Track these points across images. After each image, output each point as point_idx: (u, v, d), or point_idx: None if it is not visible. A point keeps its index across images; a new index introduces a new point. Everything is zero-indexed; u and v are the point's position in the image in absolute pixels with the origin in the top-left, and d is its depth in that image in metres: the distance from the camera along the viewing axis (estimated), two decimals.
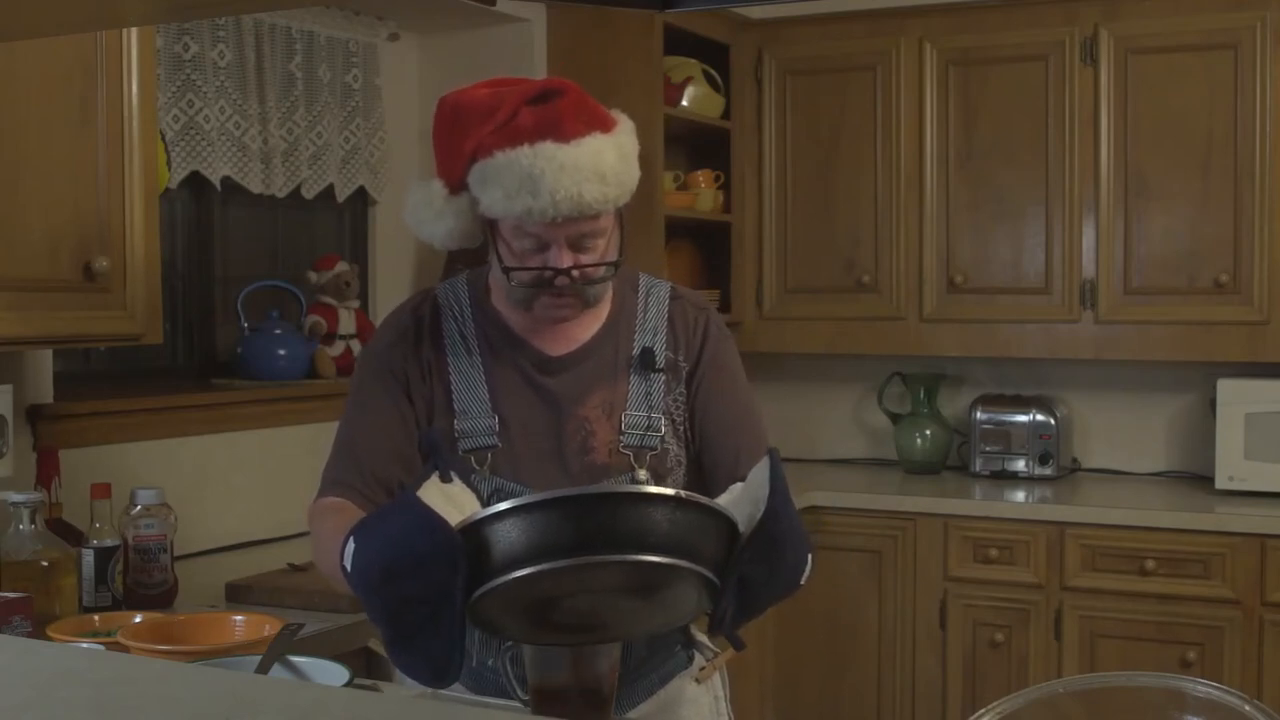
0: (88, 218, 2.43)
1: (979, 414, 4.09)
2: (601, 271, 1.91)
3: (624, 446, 1.95)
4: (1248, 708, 1.25)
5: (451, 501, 1.58)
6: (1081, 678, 1.48)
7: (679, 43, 3.97)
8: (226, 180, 3.34)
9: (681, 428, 1.99)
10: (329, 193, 3.64)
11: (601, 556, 1.46)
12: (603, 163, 1.84)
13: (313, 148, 3.58)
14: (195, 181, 3.32)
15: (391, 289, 3.99)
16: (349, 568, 1.53)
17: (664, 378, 1.99)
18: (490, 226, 1.89)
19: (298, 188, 3.55)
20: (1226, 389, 3.72)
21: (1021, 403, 4.06)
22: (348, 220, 3.90)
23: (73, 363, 3.16)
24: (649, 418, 1.96)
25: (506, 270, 1.88)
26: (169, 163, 3.02)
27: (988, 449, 4.07)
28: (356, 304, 3.67)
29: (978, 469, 4.08)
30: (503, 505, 1.49)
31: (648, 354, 1.98)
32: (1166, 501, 3.74)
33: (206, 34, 3.28)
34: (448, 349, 1.98)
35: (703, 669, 2.02)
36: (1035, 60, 3.88)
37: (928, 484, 4.05)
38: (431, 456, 1.73)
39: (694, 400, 2.00)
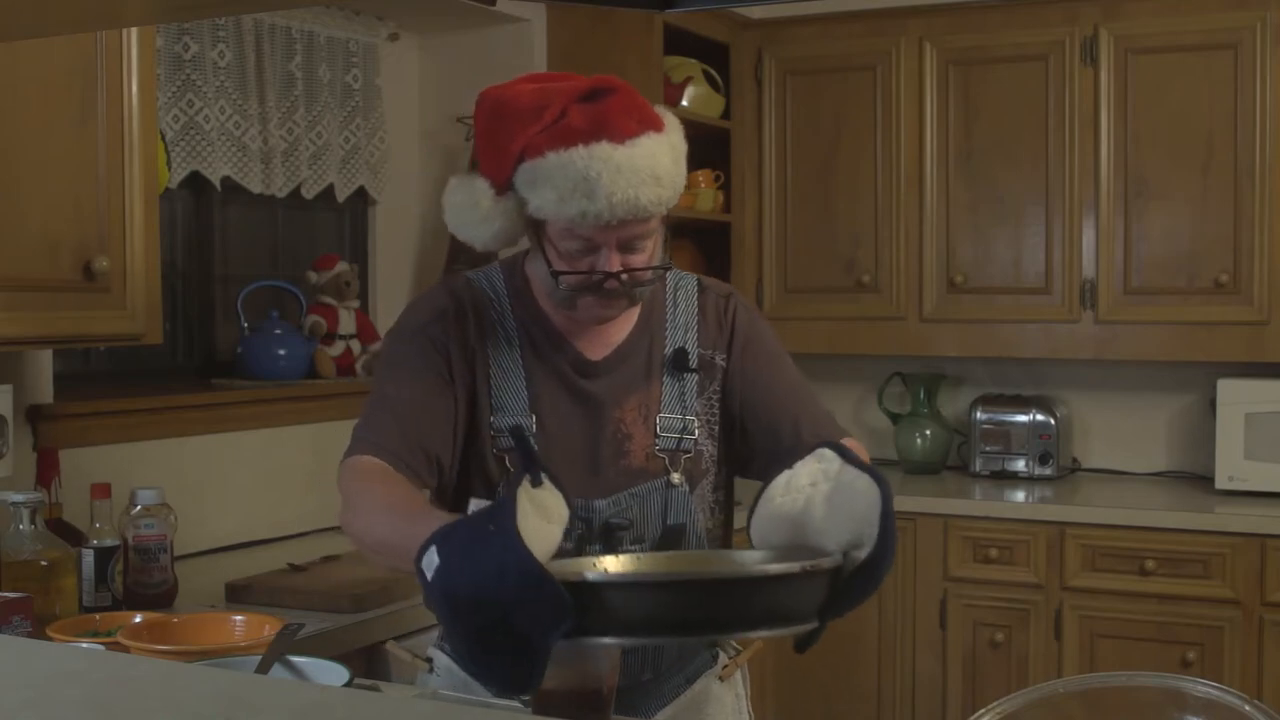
0: (88, 218, 2.44)
1: (979, 414, 4.09)
2: (650, 274, 1.88)
3: (659, 450, 1.93)
4: (1248, 708, 1.26)
5: (542, 510, 1.50)
6: (1081, 678, 1.48)
7: (679, 43, 3.97)
8: (226, 180, 3.34)
9: (715, 426, 1.97)
10: (329, 193, 3.64)
11: (716, 635, 1.44)
12: (658, 164, 1.80)
13: (313, 148, 3.58)
14: (195, 181, 3.32)
15: (391, 289, 3.99)
16: (429, 578, 1.45)
17: (697, 377, 1.96)
18: (536, 226, 1.85)
19: (298, 188, 3.55)
20: (1226, 389, 3.72)
21: (1021, 403, 4.06)
22: (348, 220, 3.90)
23: (73, 363, 3.16)
24: (683, 420, 1.94)
25: (555, 274, 1.84)
26: (169, 163, 3.02)
27: (988, 449, 4.07)
28: (356, 304, 3.67)
29: (978, 469, 4.08)
30: (622, 575, 1.49)
31: (681, 354, 1.96)
32: (1166, 501, 3.74)
33: (206, 34, 3.28)
34: (489, 339, 1.93)
35: (725, 667, 2.02)
36: (1035, 60, 3.88)
37: (928, 484, 4.05)
38: (521, 457, 1.70)
39: (738, 385, 1.97)
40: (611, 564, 1.59)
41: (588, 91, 1.80)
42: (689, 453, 1.94)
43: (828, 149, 4.13)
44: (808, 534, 1.55)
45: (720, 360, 1.98)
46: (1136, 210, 3.79)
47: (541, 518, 1.47)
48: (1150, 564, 3.54)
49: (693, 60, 4.06)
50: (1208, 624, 3.49)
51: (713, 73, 4.10)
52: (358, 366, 3.62)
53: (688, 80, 4.03)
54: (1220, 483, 3.71)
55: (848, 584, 1.47)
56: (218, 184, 3.32)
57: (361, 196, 3.81)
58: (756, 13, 4.21)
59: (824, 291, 4.16)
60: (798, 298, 4.20)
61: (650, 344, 1.97)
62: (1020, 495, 3.85)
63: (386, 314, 3.93)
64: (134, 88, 2.49)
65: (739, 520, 1.93)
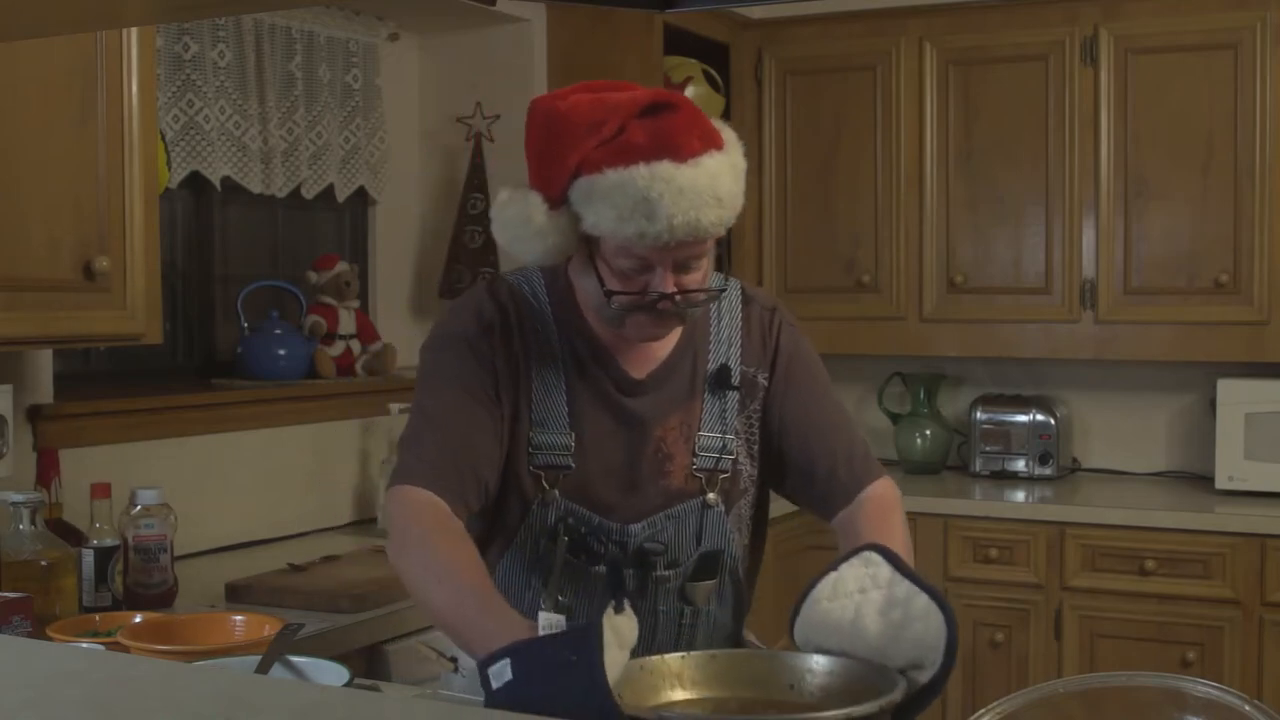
0: (88, 218, 2.43)
1: (979, 414, 4.09)
2: (704, 296, 1.83)
3: (697, 470, 1.90)
4: (1248, 708, 1.26)
5: (618, 635, 1.48)
6: (1081, 678, 1.48)
7: (679, 43, 3.97)
8: (226, 180, 3.34)
9: (754, 445, 1.94)
10: (329, 193, 3.64)
11: None
12: (720, 185, 1.74)
13: (313, 148, 3.58)
14: (195, 181, 3.32)
15: (391, 289, 3.99)
16: (494, 686, 1.44)
17: (738, 395, 1.92)
18: (589, 242, 1.78)
19: (298, 188, 3.55)
20: (1226, 389, 3.72)
21: (1021, 403, 4.06)
22: (348, 220, 3.90)
23: (73, 363, 3.16)
24: (722, 439, 1.91)
25: (609, 293, 1.78)
26: (169, 163, 3.02)
27: (988, 449, 4.07)
28: (356, 304, 3.67)
29: (978, 469, 4.08)
30: (695, 715, 1.51)
31: (724, 372, 1.91)
32: (1166, 501, 3.74)
33: (206, 34, 3.28)
34: (533, 354, 1.87)
35: None
36: (1035, 60, 3.88)
37: (928, 484, 4.05)
38: (611, 584, 1.70)
39: (779, 407, 1.94)
40: (680, 688, 1.58)
41: (648, 106, 1.74)
42: (726, 473, 1.90)
43: (828, 149, 4.13)
44: (861, 646, 1.58)
45: (763, 379, 1.94)
46: (1136, 210, 3.79)
47: (617, 644, 1.47)
48: (1150, 564, 3.54)
49: (693, 60, 4.06)
50: (1208, 624, 3.49)
51: (713, 73, 4.10)
52: (358, 366, 3.62)
53: (688, 80, 4.03)
54: (1220, 483, 3.71)
55: (910, 701, 1.51)
56: (218, 184, 3.32)
57: (361, 196, 3.81)
58: (756, 13, 4.21)
59: (824, 291, 4.16)
60: (798, 298, 4.20)
61: (694, 360, 1.92)
62: (1020, 495, 3.85)
63: (386, 314, 3.93)
64: (134, 88, 2.49)
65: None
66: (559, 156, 1.75)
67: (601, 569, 1.88)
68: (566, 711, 1.37)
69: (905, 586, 1.57)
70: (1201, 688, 1.31)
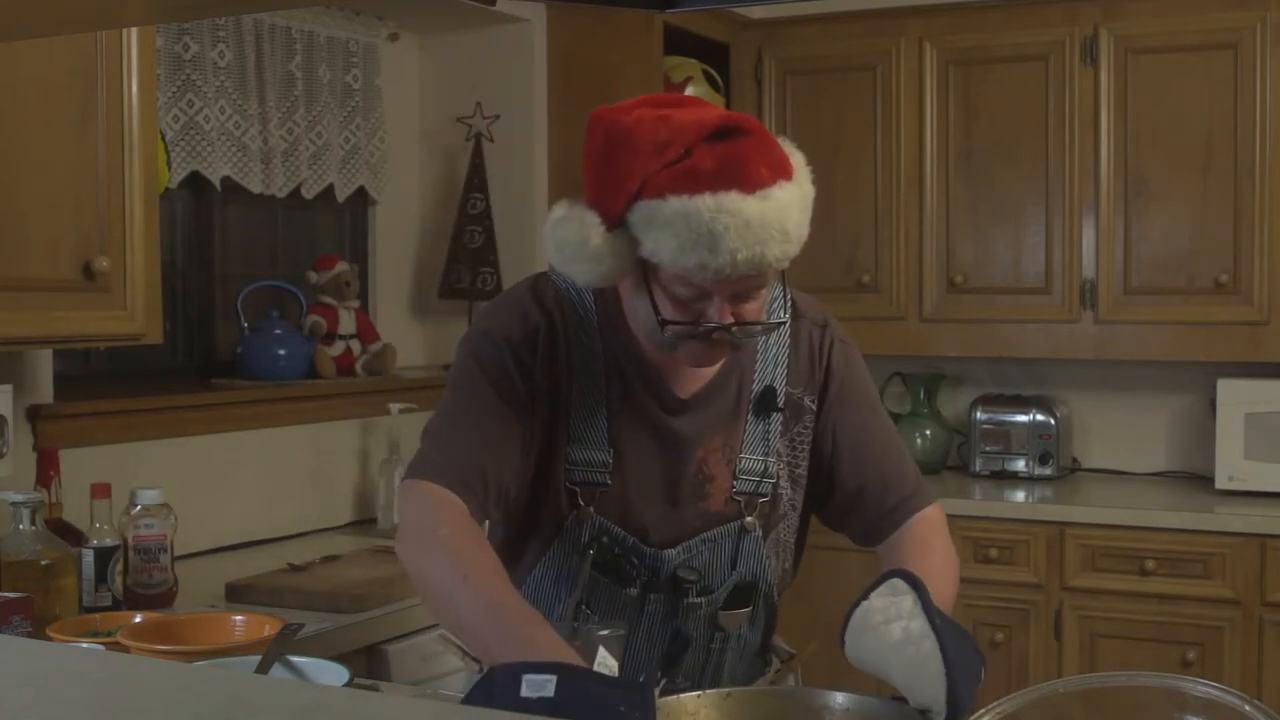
0: (88, 218, 2.43)
1: (979, 414, 4.09)
2: (760, 329, 1.77)
3: (737, 493, 1.83)
4: (1248, 708, 1.25)
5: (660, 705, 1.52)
6: (1081, 678, 1.48)
7: (679, 43, 3.97)
8: (226, 180, 3.34)
9: (798, 469, 1.89)
10: (329, 193, 3.64)
11: None
12: (788, 218, 1.67)
13: (313, 148, 3.58)
14: (195, 181, 3.32)
15: (391, 289, 3.99)
16: (525, 695, 1.41)
17: (782, 417, 1.85)
18: (646, 267, 1.70)
19: (298, 188, 3.55)
20: (1226, 389, 3.72)
21: (1021, 403, 4.06)
22: (348, 220, 3.90)
23: (73, 363, 3.16)
24: (764, 462, 1.84)
25: (663, 322, 1.70)
26: (169, 163, 3.02)
27: (988, 449, 4.07)
28: (356, 304, 3.67)
29: (978, 469, 4.08)
30: None
31: (769, 394, 1.84)
32: (1166, 501, 3.74)
33: (206, 34, 3.28)
34: (577, 367, 1.81)
35: (778, 670, 1.96)
36: (1035, 60, 3.88)
37: (928, 484, 4.04)
38: (667, 657, 1.76)
39: (830, 433, 1.88)
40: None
41: (717, 129, 1.65)
42: (766, 496, 1.84)
43: (828, 149, 4.13)
44: (893, 677, 1.63)
45: (810, 402, 1.87)
46: (1136, 210, 3.79)
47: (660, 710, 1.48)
48: (1150, 564, 3.54)
49: (693, 60, 4.06)
50: (1208, 624, 3.48)
51: (713, 73, 4.10)
52: (358, 366, 3.62)
53: (688, 80, 4.03)
54: (1220, 483, 3.71)
55: None
56: (218, 184, 3.32)
57: (361, 196, 3.81)
58: (756, 13, 4.20)
59: (824, 291, 4.13)
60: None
61: (740, 380, 1.85)
62: (1020, 495, 3.84)
63: (386, 314, 3.93)
64: (134, 88, 2.49)
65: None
66: (620, 177, 1.66)
67: (633, 591, 1.83)
68: None
69: (920, 623, 1.58)
70: (1201, 688, 1.31)
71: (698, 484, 1.82)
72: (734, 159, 1.64)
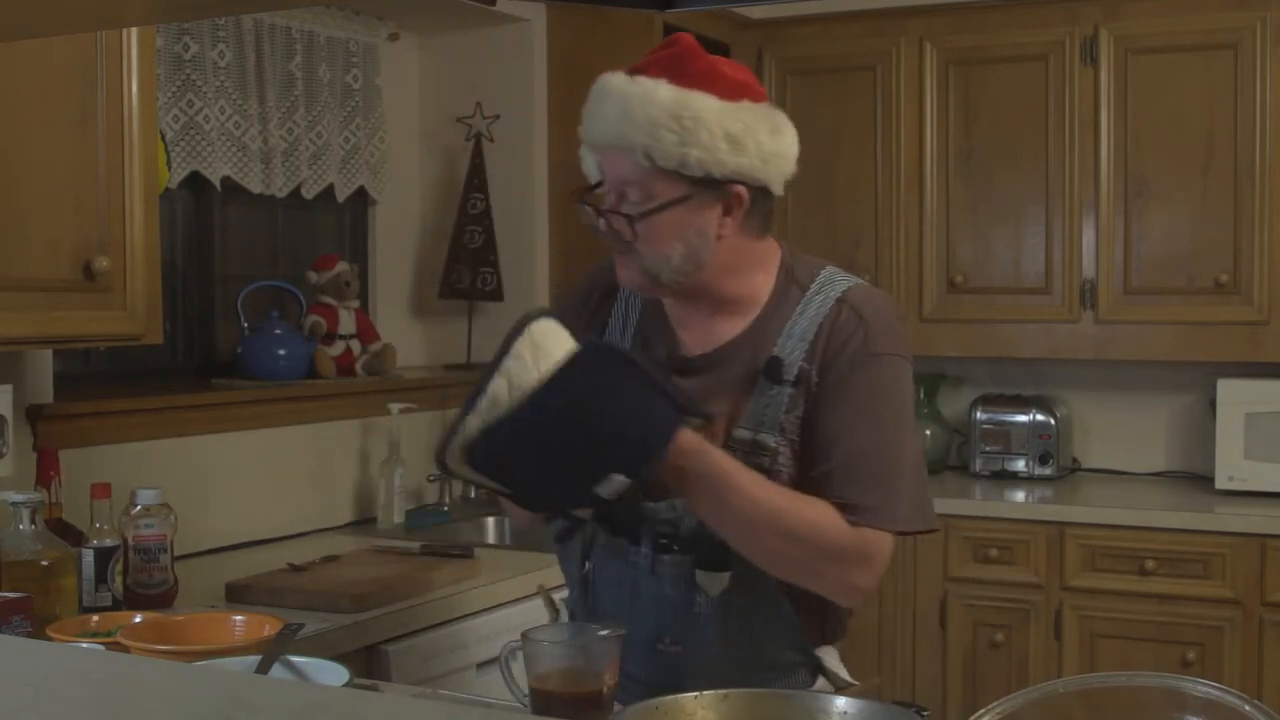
0: (88, 218, 2.43)
1: (979, 414, 4.09)
2: (620, 222, 1.80)
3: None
4: (1248, 708, 1.25)
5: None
6: (1081, 678, 1.48)
7: None
8: (226, 180, 3.34)
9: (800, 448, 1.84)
10: (329, 193, 3.64)
11: None
12: (650, 106, 1.74)
13: (313, 148, 3.58)
14: (195, 181, 3.32)
15: (391, 289, 3.99)
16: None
17: (790, 392, 1.82)
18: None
19: (298, 188, 3.55)
20: (1226, 389, 3.72)
21: (1021, 403, 4.06)
22: (348, 220, 3.90)
23: (73, 363, 3.16)
24: (754, 435, 1.82)
25: (576, 192, 1.91)
26: (169, 163, 3.02)
27: (988, 449, 4.07)
28: (356, 304, 3.67)
29: (978, 469, 4.08)
30: None
31: (774, 364, 1.83)
32: (1166, 501, 3.74)
33: (206, 34, 3.28)
34: (611, 323, 1.95)
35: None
36: (1035, 60, 3.88)
37: (928, 484, 4.04)
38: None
39: (808, 415, 1.83)
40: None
41: (668, 41, 1.85)
42: (762, 469, 1.81)
43: (828, 149, 4.13)
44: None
45: (816, 378, 1.84)
46: (1136, 210, 3.79)
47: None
48: (1150, 564, 3.54)
49: None
50: (1208, 624, 3.49)
51: None
52: (358, 366, 3.62)
53: None
54: (1220, 483, 3.71)
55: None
56: (218, 184, 3.32)
57: (361, 196, 3.81)
58: (756, 13, 4.20)
59: None
60: None
61: (756, 347, 1.86)
62: (1020, 495, 3.85)
63: (386, 314, 3.93)
64: (134, 88, 2.49)
65: None
66: None
67: (621, 541, 1.87)
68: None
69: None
70: (1201, 688, 1.30)
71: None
72: (658, 57, 1.81)
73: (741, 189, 1.83)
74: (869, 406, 1.83)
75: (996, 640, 3.70)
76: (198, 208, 3.48)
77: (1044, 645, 3.64)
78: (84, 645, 2.07)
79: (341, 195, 3.68)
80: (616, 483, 1.61)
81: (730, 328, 1.88)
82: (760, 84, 1.90)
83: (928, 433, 4.21)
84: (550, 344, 1.61)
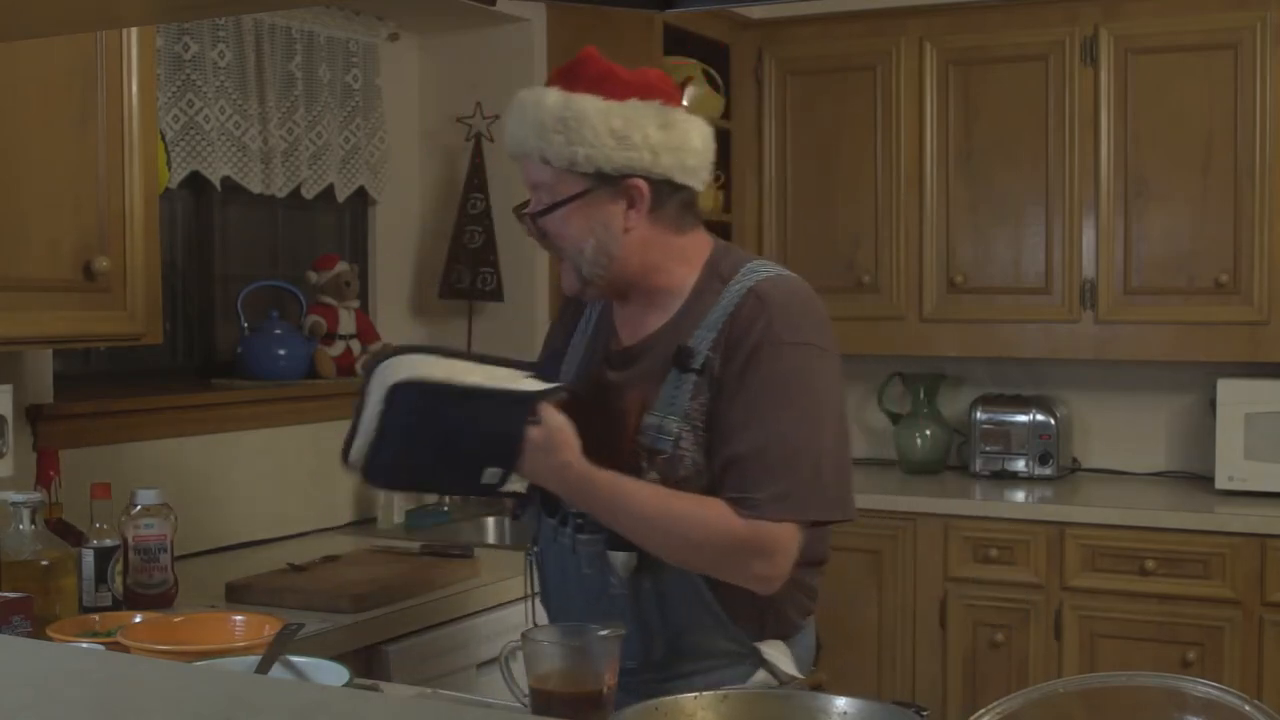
0: (88, 218, 2.43)
1: (979, 414, 4.09)
2: (528, 222, 1.96)
3: (641, 447, 1.91)
4: (1248, 708, 1.25)
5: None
6: (1081, 678, 1.48)
7: (679, 43, 3.97)
8: (226, 180, 3.34)
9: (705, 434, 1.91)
10: (329, 193, 3.64)
11: None
12: (539, 111, 1.89)
13: (313, 148, 3.58)
14: (195, 181, 3.32)
15: (391, 289, 3.99)
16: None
17: (695, 379, 1.90)
18: None
19: (298, 188, 3.55)
20: (1226, 389, 3.72)
21: (1021, 403, 4.06)
22: (348, 220, 3.90)
23: (73, 363, 3.16)
24: (662, 420, 1.90)
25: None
26: (169, 163, 3.02)
27: (988, 449, 4.07)
28: (356, 304, 3.67)
29: (978, 469, 4.08)
30: None
31: (683, 353, 1.91)
32: (1166, 501, 3.74)
33: (206, 34, 3.28)
34: (579, 325, 2.09)
35: (774, 689, 1.91)
36: (1035, 60, 3.88)
37: (928, 484, 4.05)
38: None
39: (712, 403, 1.89)
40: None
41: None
42: (664, 453, 1.89)
43: (828, 149, 4.13)
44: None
45: (719, 366, 1.90)
46: (1136, 210, 3.79)
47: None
48: (1150, 564, 3.54)
49: (693, 60, 4.06)
50: (1208, 624, 3.49)
51: (713, 73, 4.10)
52: (357, 366, 3.62)
53: (688, 80, 4.02)
54: (1220, 483, 3.71)
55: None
56: (218, 184, 3.32)
57: (361, 196, 3.81)
58: (756, 13, 4.21)
59: (824, 291, 4.05)
60: None
61: (676, 338, 1.94)
62: (1020, 495, 3.84)
63: (386, 314, 3.93)
64: (134, 88, 2.49)
65: None
66: None
67: (552, 521, 2.01)
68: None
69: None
70: (1201, 688, 1.30)
71: (614, 431, 1.93)
72: (557, 70, 1.96)
73: (640, 182, 1.91)
74: (768, 397, 1.88)
75: (996, 640, 3.70)
76: (198, 208, 3.48)
77: (1044, 645, 3.64)
78: (84, 645, 2.07)
79: (341, 195, 3.68)
80: (492, 473, 1.86)
81: (656, 320, 1.97)
82: (668, 86, 1.98)
83: (928, 433, 4.21)
84: (390, 377, 1.86)
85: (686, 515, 1.87)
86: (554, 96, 1.89)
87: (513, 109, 1.95)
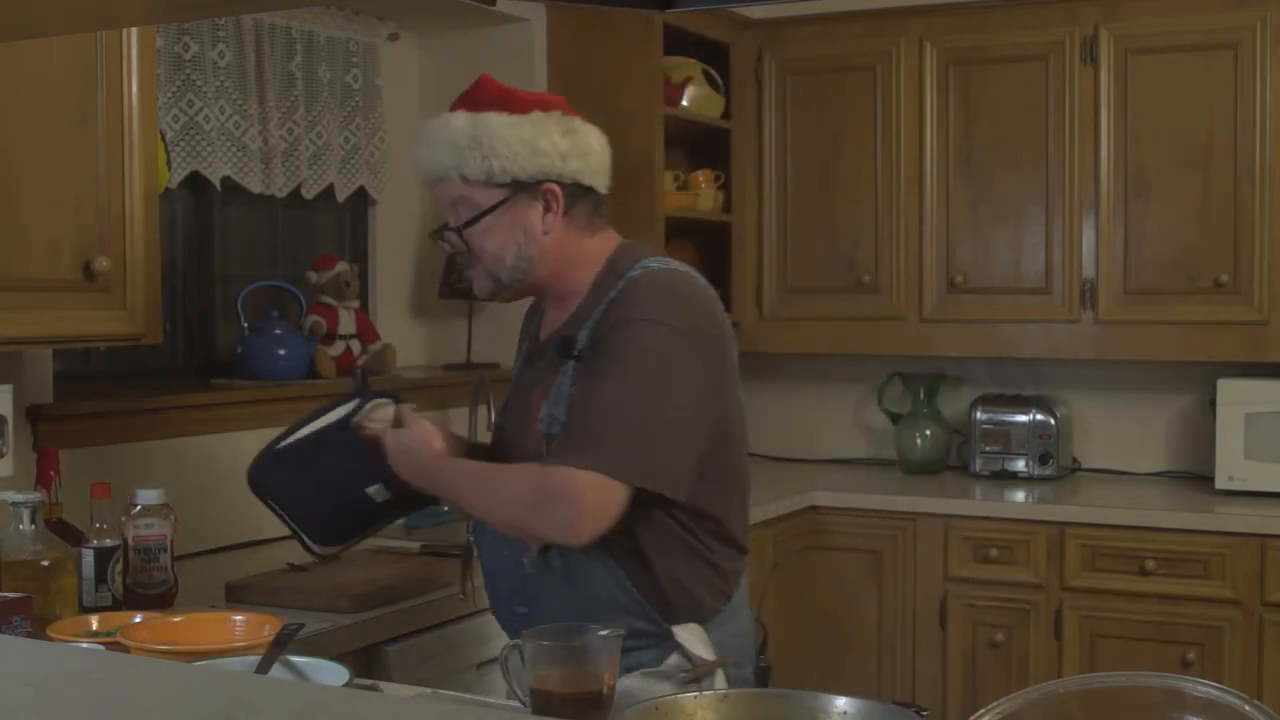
0: (88, 218, 2.43)
1: (979, 414, 4.09)
2: (452, 236, 2.05)
3: (542, 434, 2.01)
4: (1248, 708, 1.25)
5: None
6: (1081, 678, 1.48)
7: (679, 43, 3.97)
8: (226, 180, 3.34)
9: None
10: (329, 193, 3.64)
11: None
12: (450, 132, 2.01)
13: (313, 148, 3.58)
14: (195, 181, 3.32)
15: (391, 289, 3.99)
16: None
17: (574, 366, 2.00)
18: None
19: (298, 188, 3.55)
20: (1226, 389, 3.72)
21: (1021, 403, 4.06)
22: (348, 220, 3.90)
23: (73, 363, 3.16)
24: (552, 409, 2.00)
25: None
26: (169, 163, 3.02)
27: (988, 449, 4.07)
28: (356, 304, 3.67)
29: (978, 469, 4.08)
30: None
31: (564, 343, 2.02)
32: (1166, 501, 3.74)
33: (206, 34, 3.28)
34: (530, 331, 2.20)
35: (686, 671, 1.95)
36: (1035, 60, 3.88)
37: (928, 484, 4.05)
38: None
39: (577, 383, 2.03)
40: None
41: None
42: (556, 439, 1.99)
43: (828, 149, 4.14)
44: None
45: (589, 351, 2.02)
46: (1136, 210, 3.79)
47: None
48: (1150, 564, 3.54)
49: (693, 60, 4.06)
50: (1208, 624, 3.49)
51: (713, 73, 4.10)
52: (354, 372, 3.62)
53: (688, 80, 4.03)
54: (1220, 483, 3.71)
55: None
56: (218, 184, 3.32)
57: (361, 196, 3.81)
58: (756, 13, 4.21)
59: (824, 291, 4.16)
60: (797, 297, 4.20)
61: (571, 331, 2.05)
62: (1020, 495, 3.85)
63: (386, 314, 3.93)
64: (134, 88, 2.49)
65: None
66: None
67: None
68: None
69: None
70: (1201, 688, 1.30)
71: (525, 424, 2.05)
72: (459, 97, 2.10)
73: (554, 186, 2.03)
74: (603, 368, 1.95)
75: (996, 640, 3.70)
76: (198, 208, 3.48)
77: (1044, 645, 3.64)
78: (84, 645, 2.07)
79: (341, 195, 3.68)
80: (376, 489, 2.09)
81: (560, 315, 2.09)
82: (561, 100, 2.12)
83: (928, 433, 4.20)
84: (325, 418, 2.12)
85: (499, 474, 2.00)
86: (461, 118, 2.03)
87: (421, 136, 2.06)
